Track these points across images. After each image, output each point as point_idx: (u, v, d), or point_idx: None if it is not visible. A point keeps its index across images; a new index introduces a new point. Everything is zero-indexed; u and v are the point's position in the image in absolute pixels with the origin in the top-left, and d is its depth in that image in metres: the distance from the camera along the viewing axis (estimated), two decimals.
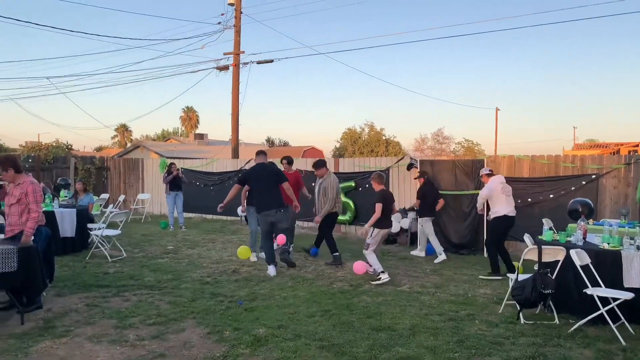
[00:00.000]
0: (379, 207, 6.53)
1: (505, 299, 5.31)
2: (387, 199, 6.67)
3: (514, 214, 7.05)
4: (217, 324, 4.67)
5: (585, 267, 4.78)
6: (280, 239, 6.92)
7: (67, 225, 8.07)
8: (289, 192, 7.23)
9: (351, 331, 4.54)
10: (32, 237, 5.05)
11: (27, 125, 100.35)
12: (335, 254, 7.66)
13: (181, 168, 13.17)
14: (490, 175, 7.39)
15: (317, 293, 5.89)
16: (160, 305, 5.28)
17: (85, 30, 51.34)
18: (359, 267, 6.78)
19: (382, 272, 6.46)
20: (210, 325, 4.65)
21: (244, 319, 4.86)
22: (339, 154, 36.44)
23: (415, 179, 9.47)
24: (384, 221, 6.63)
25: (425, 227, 8.49)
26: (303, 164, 12.59)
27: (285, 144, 49.42)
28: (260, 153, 7.45)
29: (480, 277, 6.96)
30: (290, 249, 7.76)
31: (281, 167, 8.22)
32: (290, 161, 8.53)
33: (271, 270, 6.82)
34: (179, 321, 4.77)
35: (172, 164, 12.09)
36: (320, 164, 7.98)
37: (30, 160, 14.36)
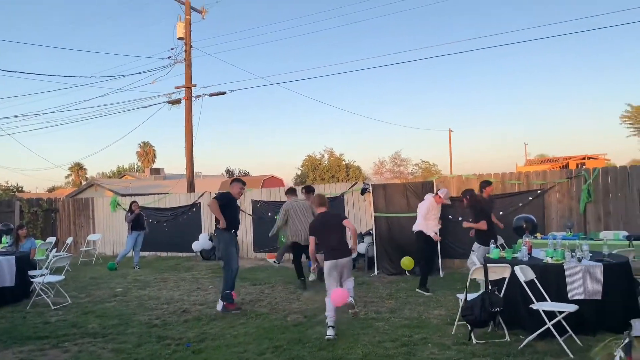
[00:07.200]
0: None
1: (456, 320, 5.29)
2: None
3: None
4: None
5: (530, 283, 4.83)
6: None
7: (5, 274, 7.58)
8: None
9: None
10: None
11: None
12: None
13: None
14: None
15: (269, 328, 5.72)
16: (102, 354, 4.99)
17: (28, 70, 49.84)
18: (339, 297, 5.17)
19: None
20: None
21: None
22: (300, 181, 36.39)
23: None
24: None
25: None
26: (258, 194, 12.47)
27: (246, 174, 49.01)
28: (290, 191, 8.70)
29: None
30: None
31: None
32: (308, 190, 8.99)
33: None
34: None
35: (133, 202, 11.73)
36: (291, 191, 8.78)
37: None
